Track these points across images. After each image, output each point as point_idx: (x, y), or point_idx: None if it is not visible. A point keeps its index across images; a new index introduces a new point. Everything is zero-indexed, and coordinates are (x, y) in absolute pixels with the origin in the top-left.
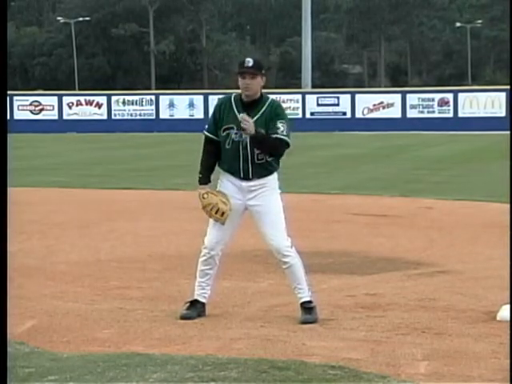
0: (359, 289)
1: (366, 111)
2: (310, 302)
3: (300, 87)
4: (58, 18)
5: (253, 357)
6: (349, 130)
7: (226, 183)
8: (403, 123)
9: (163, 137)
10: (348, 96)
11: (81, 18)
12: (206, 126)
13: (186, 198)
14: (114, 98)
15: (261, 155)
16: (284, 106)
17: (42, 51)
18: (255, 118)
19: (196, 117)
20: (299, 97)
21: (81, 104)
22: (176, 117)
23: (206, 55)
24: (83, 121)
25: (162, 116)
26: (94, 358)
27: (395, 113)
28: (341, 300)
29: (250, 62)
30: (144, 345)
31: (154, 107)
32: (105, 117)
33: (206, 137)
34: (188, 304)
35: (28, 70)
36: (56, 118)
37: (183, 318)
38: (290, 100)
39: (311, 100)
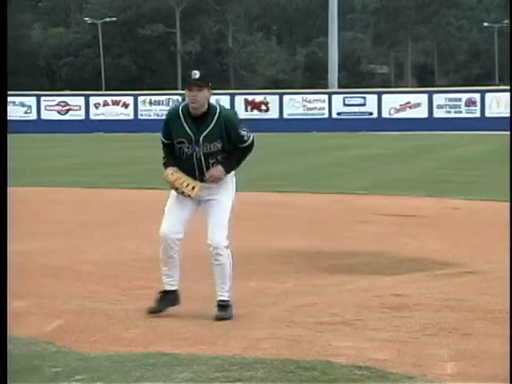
0: (385, 289)
1: (392, 111)
2: (226, 300)
3: (326, 87)
4: (85, 19)
5: (279, 357)
6: (375, 130)
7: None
8: (430, 123)
9: None
10: (375, 96)
11: (107, 19)
12: (161, 133)
13: None
14: (140, 99)
15: (215, 163)
16: (310, 106)
17: (69, 52)
18: (208, 129)
19: None
20: (325, 97)
21: (107, 104)
22: None
23: (232, 56)
24: (110, 121)
25: None
26: (121, 357)
27: (422, 113)
28: (367, 300)
29: (196, 74)
30: (170, 345)
31: None
32: (131, 117)
33: (164, 142)
34: (158, 296)
35: (55, 70)
36: (83, 118)
37: (151, 312)
38: (317, 100)
39: (338, 100)
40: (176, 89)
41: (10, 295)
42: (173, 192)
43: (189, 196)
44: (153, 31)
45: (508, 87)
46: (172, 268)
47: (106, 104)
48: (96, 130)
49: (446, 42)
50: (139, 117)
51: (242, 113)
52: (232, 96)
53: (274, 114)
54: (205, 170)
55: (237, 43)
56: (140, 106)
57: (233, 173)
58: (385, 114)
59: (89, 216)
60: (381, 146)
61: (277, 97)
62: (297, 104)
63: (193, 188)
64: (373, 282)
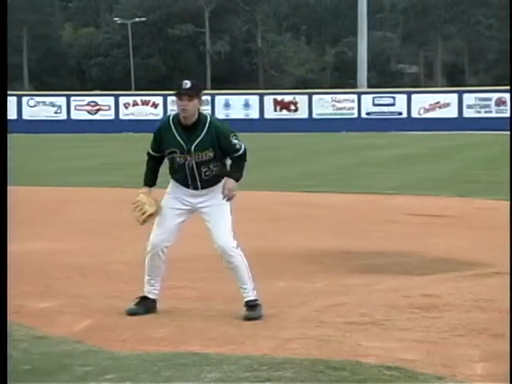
0: (415, 289)
1: (422, 111)
2: (254, 300)
3: (356, 87)
4: (115, 19)
5: (308, 357)
6: (404, 129)
7: (175, 186)
8: (459, 123)
9: None
10: (404, 96)
11: (137, 19)
12: (150, 146)
13: (242, 197)
14: (169, 98)
15: (208, 172)
16: (339, 105)
17: (99, 52)
18: (199, 139)
19: (251, 117)
20: (355, 97)
21: (137, 104)
22: (231, 117)
23: (261, 55)
24: (139, 121)
25: (217, 116)
26: (151, 357)
27: (452, 113)
28: (396, 300)
29: (187, 84)
30: (200, 344)
31: (209, 107)
32: (161, 117)
33: (151, 155)
34: (137, 300)
35: (85, 70)
36: (112, 118)
37: (130, 313)
38: (346, 100)
39: (367, 100)
40: (205, 89)
41: (41, 295)
42: (164, 200)
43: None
44: (182, 31)
45: None
46: (155, 277)
47: (135, 104)
48: (125, 130)
49: (476, 41)
50: None
51: (271, 113)
52: (261, 96)
53: (303, 113)
54: (197, 178)
55: (266, 43)
56: (169, 106)
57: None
58: (414, 114)
59: (119, 216)
60: (410, 146)
61: (306, 97)
62: (326, 104)
63: (143, 213)
64: (402, 282)
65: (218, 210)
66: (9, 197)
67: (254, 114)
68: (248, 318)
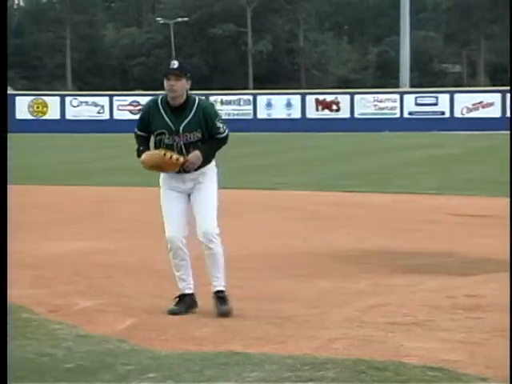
0: (457, 290)
1: (464, 110)
2: (223, 291)
3: (398, 87)
4: (157, 19)
5: (350, 357)
6: (447, 129)
7: (166, 175)
8: (503, 123)
9: (261, 136)
10: (447, 95)
11: (179, 19)
12: (136, 126)
13: (283, 197)
14: (211, 98)
15: (187, 168)
16: (382, 105)
17: (141, 52)
18: (187, 119)
19: (293, 116)
20: (397, 96)
21: None
22: (273, 116)
23: (303, 55)
24: None
25: (259, 116)
26: (192, 356)
27: (495, 112)
28: (439, 301)
29: (175, 64)
30: (241, 344)
31: (251, 107)
32: None
33: (138, 134)
34: (177, 299)
35: (127, 70)
36: None
37: (172, 313)
38: (388, 99)
39: (409, 100)
40: (247, 88)
41: (83, 294)
42: (163, 193)
43: (177, 160)
44: (224, 31)
45: None
46: (185, 271)
47: None
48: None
49: None
50: None
51: (313, 112)
52: (303, 96)
53: (345, 113)
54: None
55: (308, 42)
56: None
57: (213, 163)
58: (457, 114)
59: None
60: (452, 146)
61: (348, 96)
62: (368, 103)
63: (177, 159)
64: (445, 282)
65: (204, 196)
66: (50, 196)
67: (296, 113)
68: (222, 314)
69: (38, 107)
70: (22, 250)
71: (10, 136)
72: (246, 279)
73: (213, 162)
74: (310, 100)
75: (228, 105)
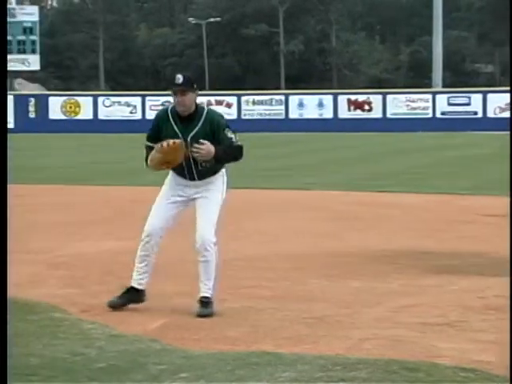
0: (489, 290)
1: (497, 110)
2: (209, 297)
3: (430, 87)
4: (190, 19)
5: (382, 357)
6: (480, 129)
7: (172, 178)
8: None
9: (292, 136)
10: (479, 95)
11: (212, 19)
12: (147, 137)
13: (314, 197)
14: (243, 98)
15: (204, 163)
16: (414, 105)
17: (174, 52)
18: (195, 129)
19: (325, 116)
20: (429, 96)
21: (211, 104)
22: (305, 116)
23: (335, 55)
24: None
25: (291, 116)
26: (224, 356)
27: None
28: (471, 301)
29: (179, 79)
30: (273, 344)
31: (283, 107)
32: (235, 117)
33: (147, 145)
34: (122, 291)
35: (159, 70)
36: None
37: (110, 306)
38: (421, 99)
39: (442, 100)
40: (279, 88)
41: (114, 294)
42: (161, 191)
43: (174, 143)
44: (256, 31)
45: None
46: (145, 266)
47: (209, 104)
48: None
49: None
50: (242, 117)
51: (345, 112)
52: (335, 96)
53: (377, 113)
54: (193, 169)
55: (340, 42)
56: (243, 106)
57: (223, 171)
58: (490, 114)
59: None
60: (485, 146)
61: (380, 96)
62: (400, 103)
63: (174, 143)
64: (477, 282)
65: (207, 202)
66: (83, 196)
67: (328, 113)
68: (201, 315)
69: (70, 107)
70: (54, 250)
71: (43, 136)
72: (276, 279)
73: (221, 172)
74: (342, 100)
75: (260, 105)
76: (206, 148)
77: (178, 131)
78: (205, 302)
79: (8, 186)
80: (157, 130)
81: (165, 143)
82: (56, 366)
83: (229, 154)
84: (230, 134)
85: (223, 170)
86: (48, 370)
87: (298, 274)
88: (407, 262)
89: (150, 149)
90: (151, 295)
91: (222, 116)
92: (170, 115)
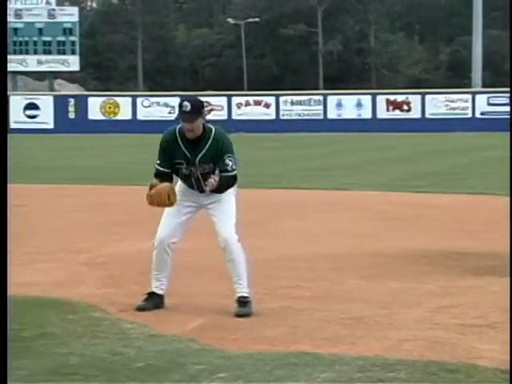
0: None
1: None
2: (246, 296)
3: (470, 87)
4: (228, 20)
5: (421, 358)
6: None
7: (183, 186)
8: None
9: (331, 137)
10: None
11: (250, 19)
12: (158, 162)
13: (353, 197)
14: (282, 99)
15: (206, 188)
16: (453, 105)
17: (212, 52)
18: (203, 152)
19: (364, 117)
20: (469, 96)
21: (249, 104)
22: (344, 117)
23: (373, 55)
24: (252, 121)
25: (329, 116)
26: (262, 356)
27: None
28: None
29: (187, 106)
30: (312, 344)
31: (321, 107)
32: (273, 117)
33: (159, 172)
34: (145, 296)
35: (198, 71)
36: (225, 118)
37: (138, 309)
38: (460, 100)
39: (481, 100)
40: (317, 89)
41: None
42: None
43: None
44: (295, 31)
45: None
46: (162, 272)
47: (247, 104)
48: (238, 130)
49: None
50: (281, 117)
51: (384, 113)
52: (373, 96)
53: (415, 113)
54: (203, 186)
55: (379, 42)
56: (282, 106)
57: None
58: None
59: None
60: None
61: (419, 96)
62: (439, 104)
63: (168, 199)
64: None
65: (223, 204)
66: (121, 196)
67: (367, 113)
68: (239, 315)
69: (110, 108)
70: (92, 250)
71: (82, 136)
72: (314, 280)
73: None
74: (381, 100)
75: (298, 105)
76: (213, 182)
77: (187, 153)
78: (243, 302)
79: (49, 186)
80: (167, 152)
81: (149, 191)
82: (96, 366)
83: (224, 184)
84: (227, 161)
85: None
86: (88, 369)
87: (337, 275)
88: (446, 262)
89: (159, 176)
90: (190, 295)
91: (228, 139)
92: (178, 137)
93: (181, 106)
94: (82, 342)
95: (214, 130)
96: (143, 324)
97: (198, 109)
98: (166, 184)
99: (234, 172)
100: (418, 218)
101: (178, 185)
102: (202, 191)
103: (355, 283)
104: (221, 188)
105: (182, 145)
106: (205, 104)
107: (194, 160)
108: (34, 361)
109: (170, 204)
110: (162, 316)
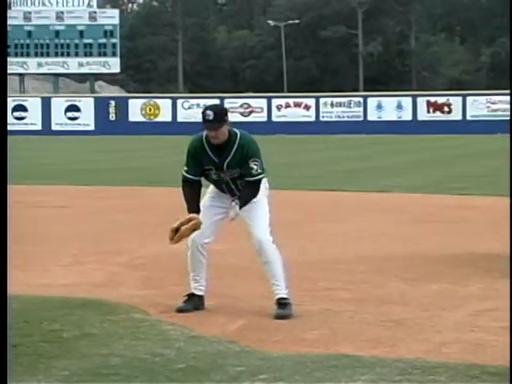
0: None
1: None
2: (285, 298)
3: None
4: (268, 22)
5: (463, 361)
6: None
7: (214, 189)
8: None
9: (371, 139)
10: None
11: (290, 21)
12: (186, 169)
13: (393, 200)
14: (322, 100)
15: (243, 185)
16: (494, 107)
17: (252, 54)
18: (229, 157)
19: (404, 118)
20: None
21: (289, 106)
22: (384, 118)
23: (414, 56)
24: (292, 123)
25: (369, 118)
26: (303, 358)
27: None
28: None
29: (210, 115)
30: (352, 346)
31: (361, 109)
32: (313, 119)
33: (186, 178)
34: (185, 297)
35: (238, 72)
36: (265, 119)
37: (179, 311)
38: (501, 101)
39: None
40: (357, 90)
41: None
42: (204, 200)
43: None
44: (334, 33)
45: None
46: (199, 273)
47: (287, 106)
48: (278, 132)
49: None
50: (321, 119)
51: (424, 114)
52: (414, 97)
53: (456, 115)
54: (234, 190)
55: (419, 44)
56: (322, 108)
57: (265, 185)
58: None
59: (271, 216)
60: None
61: (460, 98)
62: (480, 105)
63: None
64: None
65: (255, 206)
66: (161, 197)
67: (407, 115)
68: (278, 317)
69: (150, 110)
70: (132, 251)
71: (123, 138)
72: (355, 282)
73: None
74: (421, 102)
75: (338, 107)
76: (233, 216)
77: (214, 159)
78: (282, 304)
79: (90, 187)
80: (195, 158)
81: (178, 226)
82: (136, 367)
83: (249, 195)
84: (252, 164)
85: (262, 184)
86: (128, 370)
87: (377, 277)
88: (487, 265)
89: (189, 186)
90: (230, 297)
91: (255, 143)
92: (205, 143)
93: (204, 114)
94: (122, 343)
95: (239, 134)
96: (183, 325)
97: (221, 116)
98: (191, 224)
99: (260, 176)
100: (459, 220)
101: (210, 188)
102: (233, 195)
103: (396, 285)
104: (248, 198)
105: (209, 151)
106: (229, 110)
107: (221, 165)
108: (75, 361)
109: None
110: (202, 317)
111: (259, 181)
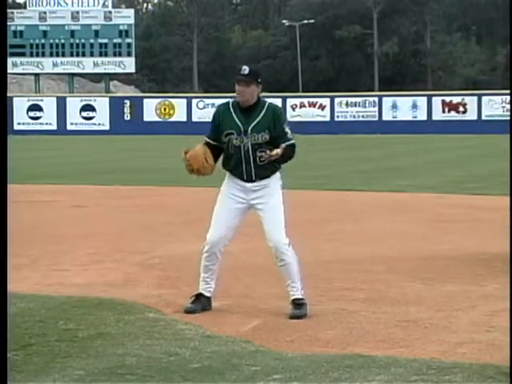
0: None
1: None
2: (301, 299)
3: None
4: (283, 21)
5: (478, 362)
6: None
7: (230, 183)
8: None
9: (386, 138)
10: None
11: (305, 21)
12: (208, 134)
13: (408, 199)
14: (337, 100)
15: (262, 157)
16: (509, 107)
17: (267, 54)
18: (256, 120)
19: (419, 118)
20: None
21: (304, 106)
22: (399, 118)
23: (429, 56)
24: (306, 122)
25: (384, 118)
26: (318, 358)
27: None
28: None
29: (245, 70)
30: (367, 346)
31: (376, 109)
32: (328, 118)
33: (207, 142)
34: (193, 298)
35: None
36: None
37: (187, 311)
38: None
39: None
40: (372, 90)
41: (214, 295)
42: (220, 196)
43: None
44: (350, 32)
45: None
46: (211, 275)
47: (302, 105)
48: (293, 132)
49: None
50: (335, 118)
51: (439, 114)
52: (429, 97)
53: (471, 115)
54: (252, 164)
55: (435, 44)
56: (336, 108)
57: (279, 175)
58: None
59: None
60: None
61: (475, 98)
62: (496, 105)
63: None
64: None
65: (272, 208)
66: (177, 197)
67: (422, 115)
68: (293, 317)
69: (165, 109)
70: (149, 251)
71: (138, 138)
72: (370, 282)
73: (277, 174)
74: (437, 102)
75: (353, 107)
76: (274, 155)
77: (238, 122)
78: (297, 304)
79: (106, 187)
80: (217, 121)
81: (184, 156)
82: (152, 366)
83: (290, 154)
84: (286, 129)
85: (278, 175)
86: (144, 369)
87: (392, 277)
88: (503, 265)
89: (209, 147)
90: (244, 297)
91: (282, 111)
92: (231, 107)
93: (239, 68)
94: (137, 343)
95: (267, 102)
96: (198, 325)
97: (255, 74)
98: (199, 146)
99: (294, 140)
100: (475, 220)
101: (224, 183)
102: (249, 176)
103: (411, 286)
104: (284, 158)
105: (234, 114)
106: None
107: (246, 129)
108: (91, 361)
109: (209, 168)
110: (217, 317)
111: (294, 145)
